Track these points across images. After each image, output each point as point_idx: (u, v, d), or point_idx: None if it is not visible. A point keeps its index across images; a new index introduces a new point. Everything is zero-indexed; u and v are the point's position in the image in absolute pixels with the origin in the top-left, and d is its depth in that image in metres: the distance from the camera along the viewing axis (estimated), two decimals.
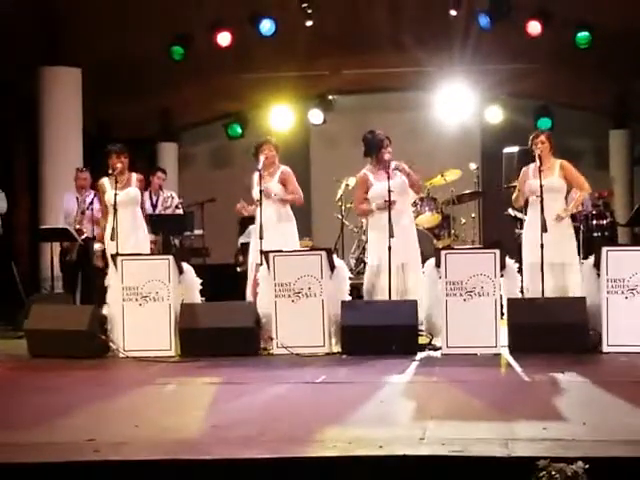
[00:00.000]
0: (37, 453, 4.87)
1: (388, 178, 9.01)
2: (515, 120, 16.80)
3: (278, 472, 4.59)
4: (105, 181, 9.86)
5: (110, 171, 9.76)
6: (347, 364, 8.09)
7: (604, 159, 18.44)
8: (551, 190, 9.05)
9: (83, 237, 11.40)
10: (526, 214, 9.59)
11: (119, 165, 9.77)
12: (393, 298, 8.88)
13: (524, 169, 9.56)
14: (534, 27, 13.57)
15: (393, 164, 9.28)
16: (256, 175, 9.41)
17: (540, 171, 8.96)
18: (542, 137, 9.34)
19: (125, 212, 9.71)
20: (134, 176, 9.97)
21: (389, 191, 8.95)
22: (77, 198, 11.65)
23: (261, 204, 9.29)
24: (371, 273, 9.23)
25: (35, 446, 5.03)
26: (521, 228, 9.76)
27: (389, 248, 8.81)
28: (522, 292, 8.98)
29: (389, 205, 8.93)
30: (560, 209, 9.19)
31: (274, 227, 9.31)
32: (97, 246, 9.99)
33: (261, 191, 9.27)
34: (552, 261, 8.94)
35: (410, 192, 9.65)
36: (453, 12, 13.59)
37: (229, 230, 15.56)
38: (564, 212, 9.23)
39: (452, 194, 13.02)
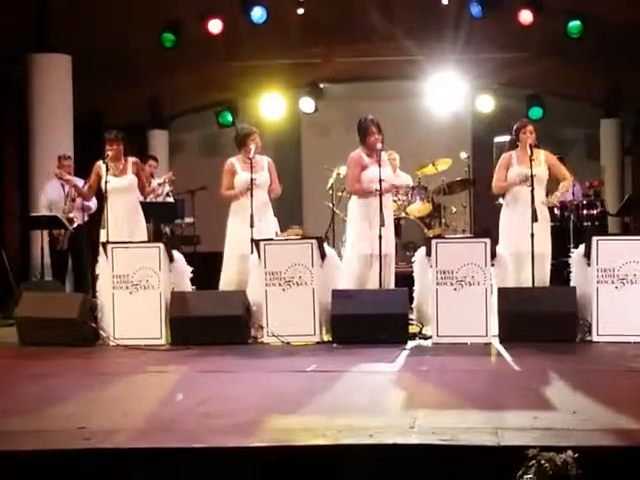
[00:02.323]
0: (27, 441, 4.87)
1: (379, 166, 9.02)
2: (506, 109, 16.78)
3: (269, 460, 4.59)
4: (102, 164, 9.81)
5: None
6: (338, 353, 8.09)
7: (595, 148, 18.44)
8: (538, 180, 9.09)
9: (74, 226, 11.38)
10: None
11: (110, 153, 9.75)
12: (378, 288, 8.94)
13: (504, 155, 9.60)
14: (526, 16, 13.57)
15: (383, 154, 9.30)
16: (236, 162, 9.52)
17: (531, 160, 8.98)
18: (530, 127, 9.38)
19: (121, 199, 9.72)
20: (129, 161, 9.96)
21: (380, 180, 8.96)
22: (63, 185, 11.60)
23: (252, 193, 9.28)
24: (365, 262, 9.20)
25: (25, 434, 5.02)
26: None
27: (380, 237, 8.82)
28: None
29: (380, 194, 8.93)
30: (543, 198, 9.24)
31: (263, 215, 9.38)
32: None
33: (252, 179, 9.27)
34: (529, 251, 8.97)
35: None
36: (445, 1, 13.59)
37: (220, 218, 15.50)
38: (554, 198, 9.28)
39: (443, 183, 13.00)
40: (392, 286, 9.20)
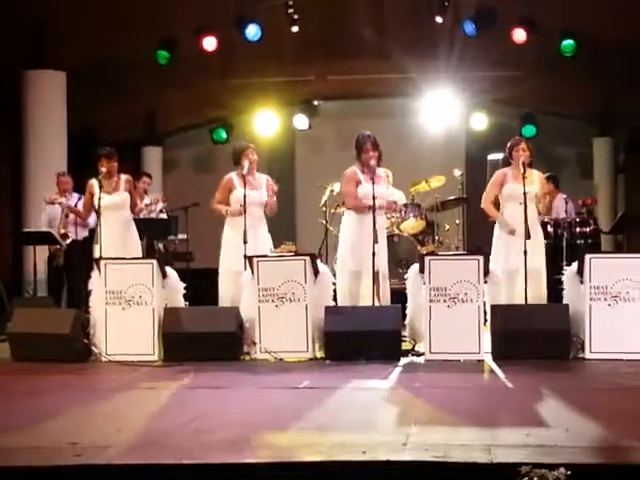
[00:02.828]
0: (19, 457, 4.85)
1: (373, 183, 9.03)
2: (500, 127, 16.88)
3: (261, 476, 4.58)
4: (95, 182, 9.84)
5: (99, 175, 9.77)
6: (330, 369, 8.09)
7: (588, 167, 18.50)
8: (531, 198, 9.13)
9: (68, 241, 11.39)
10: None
11: (103, 169, 9.77)
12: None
13: (498, 172, 9.64)
14: (519, 35, 13.62)
15: (382, 170, 9.34)
16: (234, 178, 9.52)
17: (524, 178, 9.01)
18: (523, 145, 9.42)
19: (115, 216, 9.74)
20: (122, 178, 9.97)
21: (373, 197, 8.98)
22: (66, 199, 11.64)
23: (245, 209, 9.29)
24: (356, 279, 9.22)
25: (17, 450, 5.00)
26: None
27: (373, 254, 8.83)
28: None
29: (373, 211, 8.95)
30: (535, 215, 9.30)
31: (256, 231, 9.37)
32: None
33: (245, 196, 9.28)
34: (529, 268, 8.98)
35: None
36: (439, 19, 13.64)
37: (213, 235, 15.50)
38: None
39: (436, 200, 13.03)
40: (388, 303, 9.18)
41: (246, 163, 9.46)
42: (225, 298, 9.38)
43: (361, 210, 9.24)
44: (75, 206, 11.15)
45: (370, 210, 9.04)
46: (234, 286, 9.29)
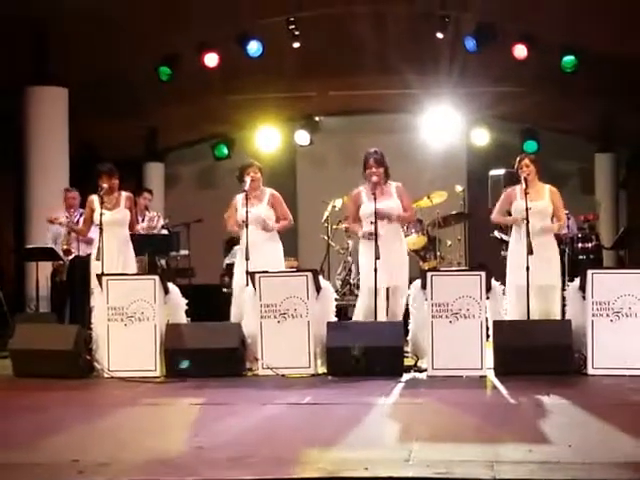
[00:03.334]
0: (21, 474, 4.85)
1: (375, 200, 9.04)
2: (501, 143, 16.89)
3: None
4: (95, 198, 9.83)
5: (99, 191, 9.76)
6: (332, 385, 8.08)
7: (590, 182, 18.51)
8: (540, 213, 9.12)
9: (71, 257, 11.39)
10: (508, 236, 9.62)
11: (105, 185, 9.75)
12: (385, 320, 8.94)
13: (508, 190, 9.64)
14: (520, 51, 13.64)
15: (394, 184, 9.34)
16: (239, 197, 9.49)
17: (526, 194, 9.00)
18: (526, 160, 9.39)
19: (113, 232, 9.70)
20: (123, 195, 9.95)
21: (375, 214, 8.97)
22: (66, 217, 11.66)
23: (247, 225, 9.30)
24: (369, 295, 9.18)
25: (19, 466, 5.00)
26: (507, 250, 9.81)
27: (375, 270, 8.82)
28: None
29: (375, 229, 8.95)
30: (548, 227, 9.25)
31: (261, 248, 9.33)
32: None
33: (247, 212, 9.29)
34: (537, 284, 8.97)
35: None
36: (440, 35, 13.67)
37: (215, 251, 15.54)
38: (554, 228, 9.29)
39: (438, 216, 13.05)
40: (399, 318, 9.14)
41: (248, 180, 9.47)
42: (234, 314, 9.41)
43: (354, 234, 9.34)
44: (77, 223, 11.13)
45: (365, 238, 9.13)
46: (239, 302, 9.32)
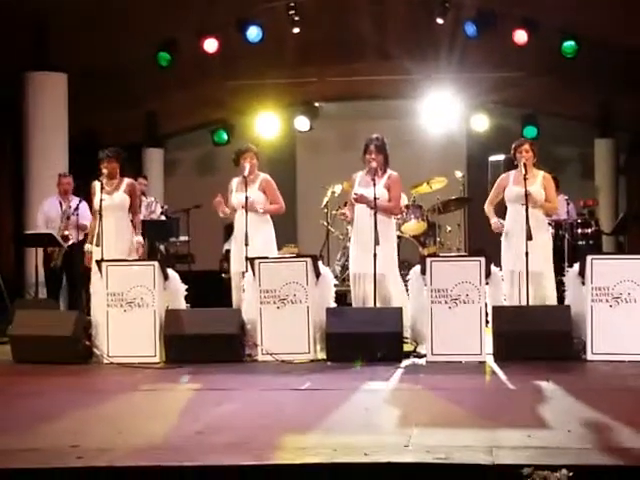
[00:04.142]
0: (20, 459, 4.85)
1: (374, 185, 9.02)
2: (501, 128, 16.86)
3: (263, 478, 4.58)
4: (97, 184, 9.78)
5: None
6: (332, 371, 8.08)
7: (589, 168, 18.49)
8: (532, 199, 9.07)
9: (69, 243, 11.39)
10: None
11: (104, 171, 9.70)
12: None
13: (503, 175, 9.64)
14: (520, 36, 13.62)
15: (387, 173, 9.32)
16: (235, 181, 9.53)
17: (525, 179, 8.99)
18: (526, 146, 9.38)
19: (111, 217, 9.64)
20: (125, 182, 9.89)
21: (374, 199, 8.97)
22: (60, 203, 11.65)
23: (247, 211, 9.29)
24: (353, 282, 9.28)
25: (18, 452, 5.00)
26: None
27: (374, 255, 8.82)
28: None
29: (375, 213, 8.94)
30: (539, 216, 9.24)
31: (254, 233, 9.30)
32: (87, 247, 9.87)
33: (247, 197, 9.28)
34: (530, 269, 8.98)
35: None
36: (440, 20, 13.64)
37: (214, 237, 15.56)
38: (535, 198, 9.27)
39: (438, 202, 13.04)
40: (391, 304, 9.12)
41: (247, 165, 9.46)
42: (234, 300, 9.43)
43: (343, 218, 9.42)
44: (76, 209, 11.10)
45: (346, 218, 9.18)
46: (236, 287, 9.34)
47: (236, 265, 9.42)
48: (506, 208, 9.40)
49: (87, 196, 10.35)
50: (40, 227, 11.74)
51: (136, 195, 10.08)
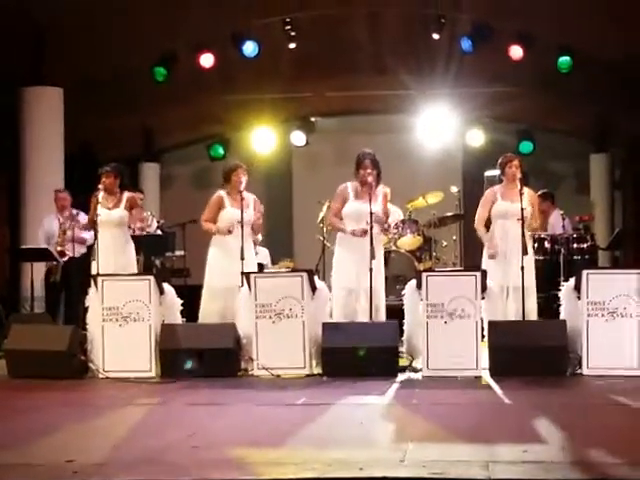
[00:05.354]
0: (16, 474, 4.84)
1: (370, 201, 9.02)
2: (497, 143, 16.89)
3: None
4: (100, 196, 9.81)
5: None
6: (328, 385, 8.07)
7: (585, 183, 18.53)
8: (518, 214, 9.07)
9: (65, 259, 11.39)
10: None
11: (100, 186, 9.77)
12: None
13: (488, 191, 9.67)
14: (516, 51, 13.67)
15: (380, 188, 9.32)
16: (225, 197, 9.65)
17: (521, 194, 9.02)
18: (516, 162, 9.46)
19: (107, 233, 9.69)
20: (125, 196, 9.95)
21: (370, 214, 8.97)
22: (59, 219, 11.67)
23: (242, 226, 9.32)
24: (344, 296, 9.21)
25: (14, 467, 4.99)
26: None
27: (370, 270, 8.82)
28: None
29: (371, 229, 8.95)
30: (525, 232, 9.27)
31: (245, 251, 9.37)
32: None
33: (242, 212, 9.31)
34: (513, 285, 9.01)
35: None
36: (435, 35, 13.68)
37: None
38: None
39: (433, 217, 13.05)
40: (381, 319, 9.14)
41: (244, 180, 9.50)
42: (207, 314, 9.42)
43: (336, 229, 9.33)
44: (73, 220, 11.13)
45: (356, 236, 9.15)
46: (220, 302, 9.41)
47: (219, 281, 9.46)
48: (490, 224, 9.47)
49: (87, 209, 10.37)
50: (42, 243, 11.75)
51: (137, 205, 10.17)
